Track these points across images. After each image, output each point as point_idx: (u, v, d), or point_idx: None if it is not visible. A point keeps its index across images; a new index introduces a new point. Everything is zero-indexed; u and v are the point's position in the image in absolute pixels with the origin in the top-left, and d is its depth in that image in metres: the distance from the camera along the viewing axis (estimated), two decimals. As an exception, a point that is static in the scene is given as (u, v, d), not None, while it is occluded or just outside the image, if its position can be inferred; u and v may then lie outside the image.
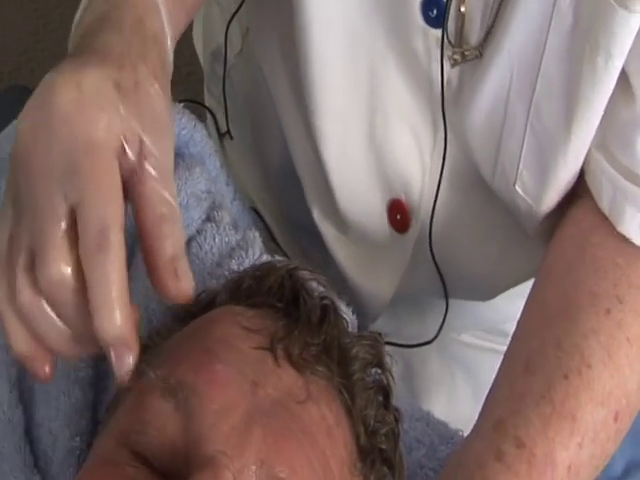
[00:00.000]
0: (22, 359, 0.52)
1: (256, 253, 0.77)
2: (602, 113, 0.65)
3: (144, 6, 0.56)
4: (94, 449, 0.55)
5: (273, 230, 1.04)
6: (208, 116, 1.11)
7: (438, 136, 0.76)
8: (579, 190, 0.72)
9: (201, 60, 1.15)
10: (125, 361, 0.49)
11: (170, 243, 0.51)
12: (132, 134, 0.50)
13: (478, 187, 0.78)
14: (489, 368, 0.70)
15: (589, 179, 0.69)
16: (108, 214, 0.48)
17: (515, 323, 0.70)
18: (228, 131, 1.05)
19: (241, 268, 0.72)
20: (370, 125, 0.79)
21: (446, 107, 0.73)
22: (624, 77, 0.64)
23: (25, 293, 0.50)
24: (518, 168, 0.72)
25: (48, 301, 0.49)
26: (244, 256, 0.76)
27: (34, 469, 0.64)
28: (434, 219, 0.81)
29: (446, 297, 0.90)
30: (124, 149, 0.50)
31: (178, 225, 0.52)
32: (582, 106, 0.65)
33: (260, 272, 0.62)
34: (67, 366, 0.66)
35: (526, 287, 0.73)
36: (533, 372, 0.64)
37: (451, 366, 1.07)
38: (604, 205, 0.68)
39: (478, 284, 0.90)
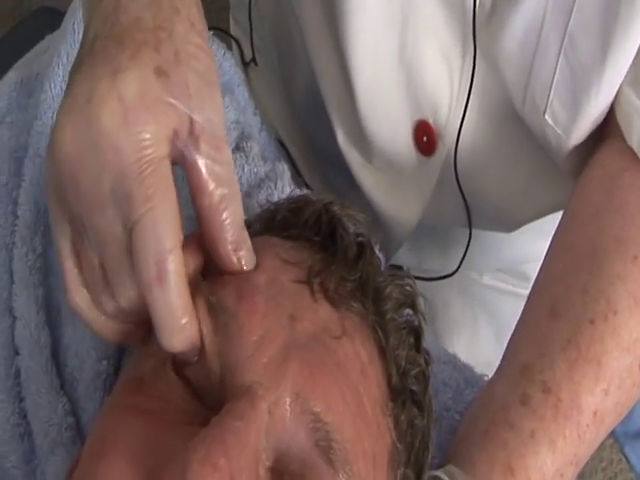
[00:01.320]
0: (120, 343, 0.56)
1: (285, 185, 0.76)
2: (638, 46, 0.65)
3: None
4: (127, 370, 0.55)
5: (297, 162, 1.03)
6: (233, 45, 1.09)
7: (467, 58, 0.75)
8: (607, 130, 0.71)
9: (227, -12, 1.13)
10: (190, 359, 0.51)
11: (231, 231, 0.51)
12: (182, 121, 0.49)
13: (507, 114, 0.77)
14: (511, 312, 0.70)
15: (619, 115, 0.69)
16: (165, 240, 0.48)
17: (536, 264, 0.69)
18: (254, 58, 1.03)
19: (270, 200, 0.71)
20: (400, 43, 0.77)
21: (477, 29, 0.72)
22: None
23: (110, 305, 0.52)
24: (549, 97, 0.71)
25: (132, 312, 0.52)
26: (273, 188, 0.75)
27: (60, 391, 0.64)
28: (460, 143, 0.80)
29: (469, 226, 0.89)
30: (175, 143, 0.49)
31: (238, 201, 0.52)
32: (618, 38, 0.64)
33: (295, 205, 0.61)
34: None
35: (549, 226, 0.72)
36: (558, 317, 0.63)
37: (473, 308, 1.08)
38: (634, 141, 0.67)
39: (502, 214, 0.89)
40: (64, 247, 0.53)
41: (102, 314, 0.53)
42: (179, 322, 0.48)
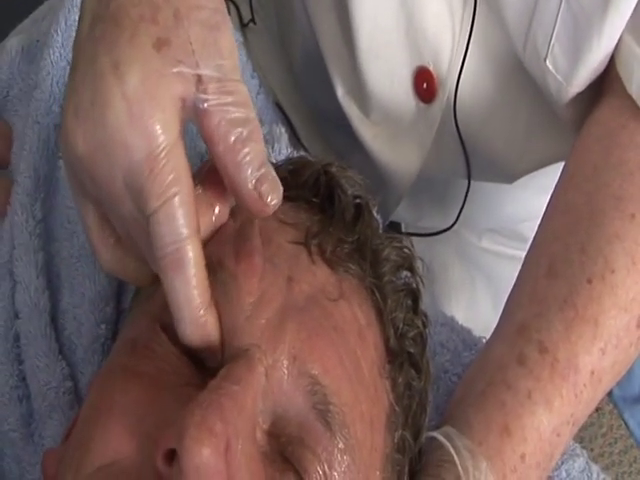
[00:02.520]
0: None
1: (282, 148, 0.76)
2: None
3: None
4: (124, 331, 0.55)
5: (296, 125, 1.02)
6: (232, 8, 1.08)
7: (468, 2, 0.75)
8: (607, 85, 0.71)
9: (225, -52, 1.12)
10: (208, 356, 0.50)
11: (250, 169, 0.49)
12: (188, 84, 0.49)
13: (508, 61, 0.77)
14: (509, 276, 0.69)
15: (619, 64, 0.68)
16: (180, 230, 0.48)
17: (533, 223, 0.69)
18: (252, 18, 1.02)
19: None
20: None
21: None
22: None
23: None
24: (550, 43, 0.70)
25: None
26: (270, 150, 0.75)
27: (59, 355, 0.64)
28: (460, 89, 0.79)
29: (468, 177, 0.89)
30: (184, 107, 0.49)
31: (255, 139, 0.50)
32: None
33: (294, 166, 0.61)
34: (91, 252, 0.66)
35: (548, 181, 0.72)
36: (555, 276, 0.63)
37: (471, 272, 1.07)
38: (633, 90, 0.67)
39: (501, 163, 0.89)
40: (91, 223, 0.53)
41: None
42: (196, 312, 0.48)
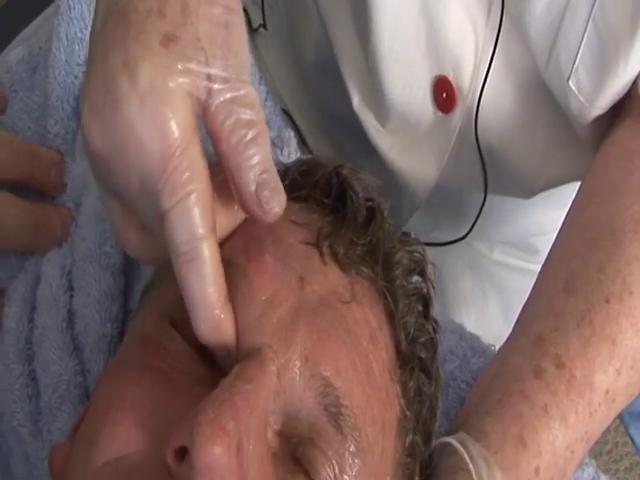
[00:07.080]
0: None
1: (291, 152, 0.76)
2: None
3: None
4: (133, 329, 0.55)
5: (304, 132, 1.01)
6: (241, 13, 1.07)
7: (492, 16, 0.74)
8: (628, 107, 0.70)
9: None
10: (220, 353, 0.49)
11: (252, 173, 0.49)
12: (198, 81, 0.48)
13: (530, 77, 0.76)
14: (520, 288, 0.69)
15: None
16: (195, 230, 0.47)
17: (546, 237, 0.69)
18: (264, 23, 1.02)
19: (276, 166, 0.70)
20: None
21: None
22: None
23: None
24: (574, 64, 0.70)
25: None
26: (279, 154, 0.75)
27: (73, 351, 0.64)
28: (481, 101, 0.79)
29: (485, 189, 0.88)
30: (196, 107, 0.48)
31: (260, 143, 0.49)
32: None
33: (305, 167, 0.60)
34: (97, 252, 0.66)
35: (564, 197, 0.71)
36: (573, 292, 0.62)
37: (483, 284, 1.07)
38: None
39: (519, 178, 0.88)
40: (114, 212, 0.52)
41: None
42: (213, 311, 0.47)
